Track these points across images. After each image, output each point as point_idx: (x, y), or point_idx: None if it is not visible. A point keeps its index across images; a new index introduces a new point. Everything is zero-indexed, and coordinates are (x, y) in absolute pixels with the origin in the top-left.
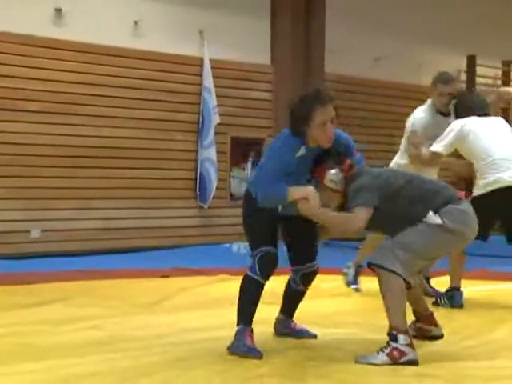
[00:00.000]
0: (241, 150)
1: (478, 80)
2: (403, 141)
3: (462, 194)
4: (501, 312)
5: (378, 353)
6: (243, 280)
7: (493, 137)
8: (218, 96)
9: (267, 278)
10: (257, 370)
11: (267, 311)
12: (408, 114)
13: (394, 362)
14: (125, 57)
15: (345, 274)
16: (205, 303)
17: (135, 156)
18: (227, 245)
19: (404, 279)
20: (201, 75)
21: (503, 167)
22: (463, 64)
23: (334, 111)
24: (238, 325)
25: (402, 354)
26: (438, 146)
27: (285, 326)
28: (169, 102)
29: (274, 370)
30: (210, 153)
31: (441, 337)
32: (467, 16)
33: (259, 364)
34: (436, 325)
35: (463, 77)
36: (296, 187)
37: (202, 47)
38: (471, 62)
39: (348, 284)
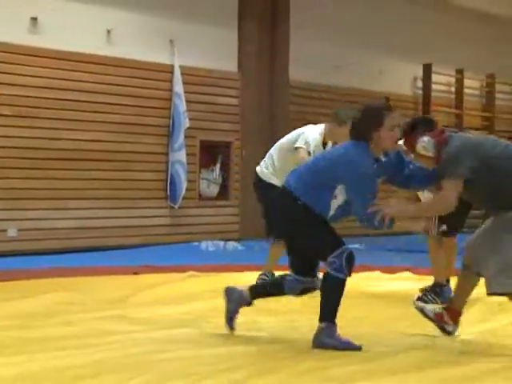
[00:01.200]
0: (209, 153)
1: (434, 87)
2: (277, 153)
3: None
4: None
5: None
6: (330, 281)
7: None
8: (187, 101)
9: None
10: (229, 362)
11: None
12: None
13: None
14: (99, 64)
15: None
16: (174, 299)
17: (109, 158)
18: (196, 243)
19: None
20: (171, 81)
21: None
22: (420, 72)
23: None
24: (323, 321)
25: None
26: None
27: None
28: (141, 107)
29: (246, 362)
30: (180, 155)
31: (451, 333)
32: (424, 26)
33: (231, 356)
34: (456, 323)
35: (420, 84)
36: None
37: (172, 55)
38: (427, 69)
39: None
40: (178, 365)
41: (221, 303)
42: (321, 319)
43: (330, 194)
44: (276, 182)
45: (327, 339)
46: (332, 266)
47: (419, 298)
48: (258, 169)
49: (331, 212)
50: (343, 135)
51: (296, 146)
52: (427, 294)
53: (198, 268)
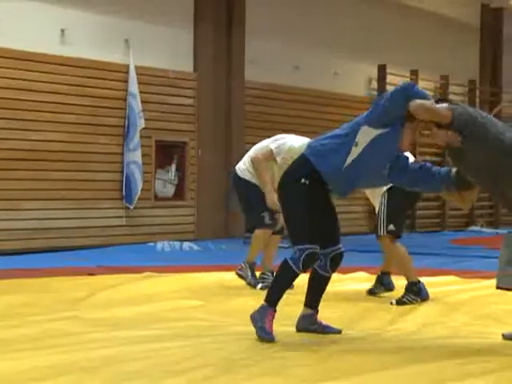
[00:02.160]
0: (165, 153)
1: (389, 88)
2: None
3: None
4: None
5: None
6: (283, 267)
7: None
8: (143, 101)
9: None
10: (190, 362)
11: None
12: (325, 119)
13: None
14: (53, 63)
15: (241, 277)
16: (132, 299)
17: (64, 159)
18: (152, 243)
19: None
20: (126, 81)
21: None
22: (375, 72)
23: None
24: (265, 301)
25: None
26: None
27: (311, 322)
28: (96, 107)
29: (208, 362)
30: (136, 155)
31: None
32: (379, 28)
33: (192, 357)
34: None
35: (375, 85)
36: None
37: (127, 55)
38: (382, 70)
39: (253, 285)
40: (137, 365)
41: (179, 304)
42: (265, 298)
43: (346, 148)
44: (254, 180)
45: (258, 318)
46: (293, 256)
47: (399, 302)
48: (237, 167)
49: (347, 162)
50: None
51: (271, 147)
52: (406, 296)
53: (153, 269)
